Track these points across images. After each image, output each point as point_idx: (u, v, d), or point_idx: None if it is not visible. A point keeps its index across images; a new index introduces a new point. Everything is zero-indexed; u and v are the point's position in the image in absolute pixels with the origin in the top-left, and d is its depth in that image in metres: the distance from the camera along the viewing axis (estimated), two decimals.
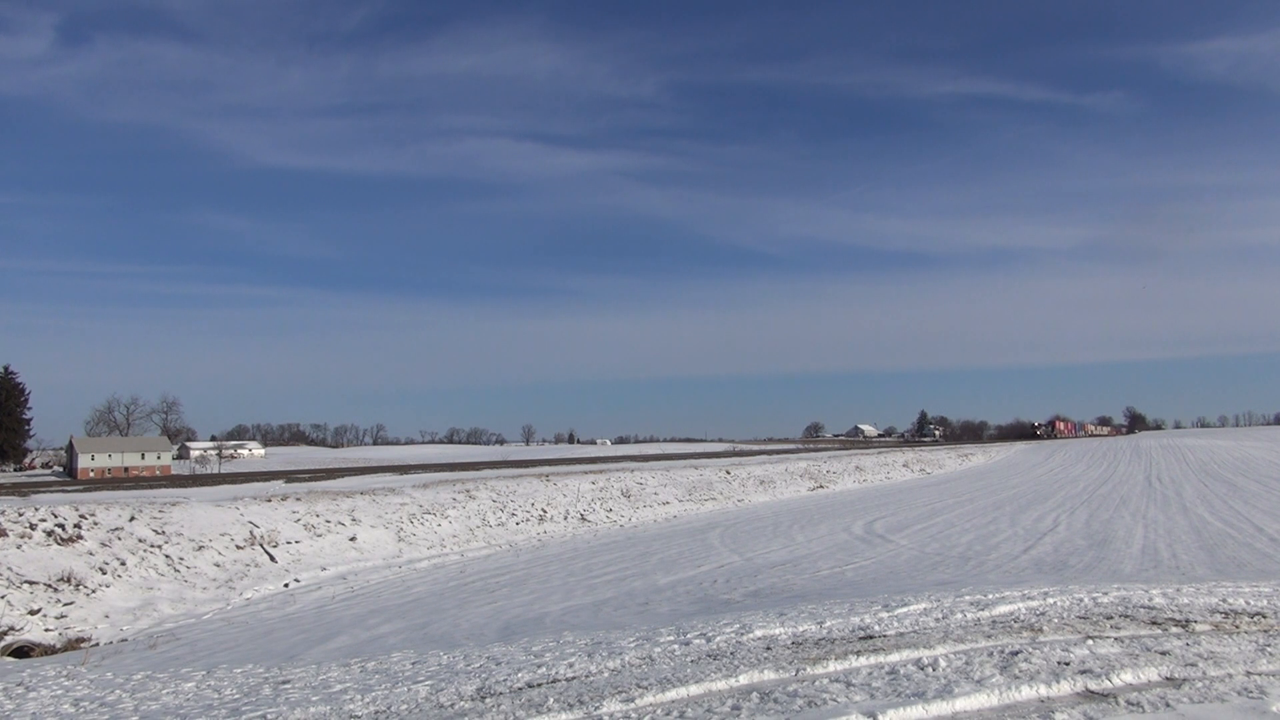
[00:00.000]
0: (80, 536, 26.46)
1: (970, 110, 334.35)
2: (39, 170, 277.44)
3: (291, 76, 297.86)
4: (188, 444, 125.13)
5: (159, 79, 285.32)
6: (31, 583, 23.20)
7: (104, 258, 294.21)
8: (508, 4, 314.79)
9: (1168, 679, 7.36)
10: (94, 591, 24.04)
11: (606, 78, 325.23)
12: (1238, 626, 9.74)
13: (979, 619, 10.98)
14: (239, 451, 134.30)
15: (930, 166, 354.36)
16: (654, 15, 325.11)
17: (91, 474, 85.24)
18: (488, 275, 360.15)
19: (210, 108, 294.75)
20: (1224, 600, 11.78)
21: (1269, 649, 8.36)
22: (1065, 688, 7.16)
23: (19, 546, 24.77)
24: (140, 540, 27.59)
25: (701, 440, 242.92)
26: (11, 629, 21.03)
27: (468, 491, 43.78)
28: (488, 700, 8.64)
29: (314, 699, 10.03)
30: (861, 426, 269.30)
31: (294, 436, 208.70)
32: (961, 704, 6.79)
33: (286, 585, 27.80)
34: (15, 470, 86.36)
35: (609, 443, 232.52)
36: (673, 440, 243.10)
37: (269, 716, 9.22)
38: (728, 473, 65.86)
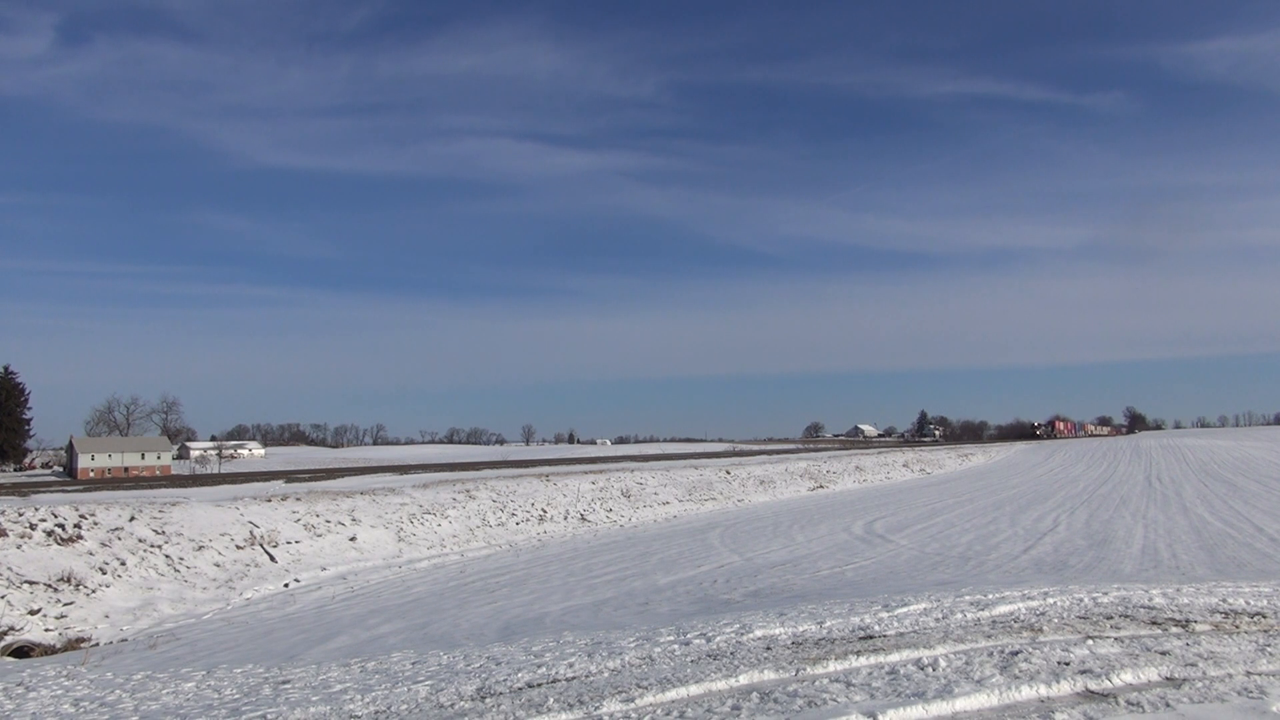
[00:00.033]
0: (80, 536, 26.46)
1: (970, 110, 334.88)
2: (39, 170, 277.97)
3: (291, 76, 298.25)
4: (188, 444, 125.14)
5: (159, 79, 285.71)
6: (31, 583, 23.20)
7: (104, 258, 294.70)
8: (508, 4, 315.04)
9: (1168, 679, 7.36)
10: (94, 591, 24.04)
11: (606, 78, 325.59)
12: (1238, 626, 9.74)
13: (979, 619, 10.98)
14: (239, 451, 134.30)
15: (930, 166, 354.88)
16: (654, 15, 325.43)
17: (91, 474, 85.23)
18: (488, 275, 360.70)
19: (210, 108, 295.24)
20: (1224, 600, 11.78)
21: (1269, 649, 8.36)
22: (1065, 688, 7.16)
23: (19, 546, 24.77)
24: (140, 540, 27.59)
25: (701, 440, 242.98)
26: (11, 629, 21.03)
27: (468, 491, 43.78)
28: (488, 700, 8.64)
29: (314, 699, 10.03)
30: (861, 426, 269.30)
31: (294, 436, 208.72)
32: (961, 704, 6.79)
33: (286, 585, 27.80)
34: (15, 470, 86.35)
35: (609, 443, 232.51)
36: (673, 440, 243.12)
37: (269, 716, 9.22)
38: (728, 473, 65.87)
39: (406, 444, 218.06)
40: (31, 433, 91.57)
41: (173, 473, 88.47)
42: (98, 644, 20.66)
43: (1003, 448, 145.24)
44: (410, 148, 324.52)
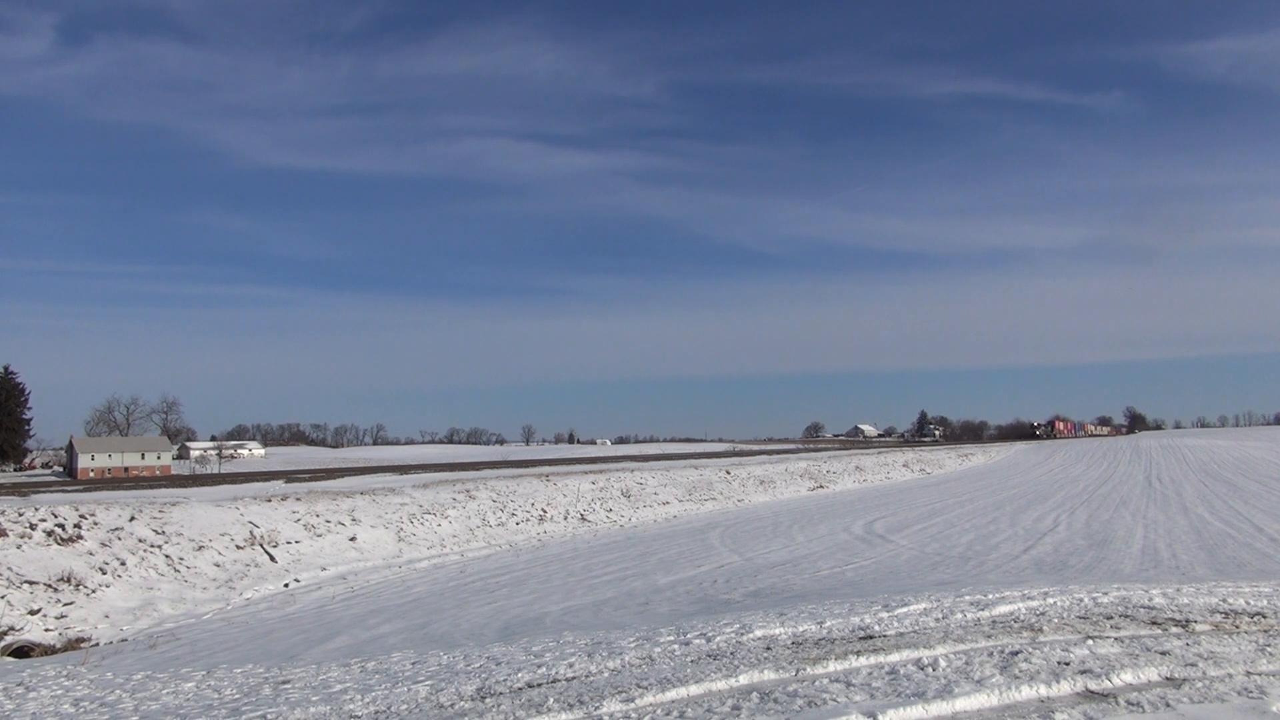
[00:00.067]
0: (80, 536, 26.46)
1: (970, 110, 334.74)
2: (39, 170, 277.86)
3: (291, 76, 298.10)
4: (188, 444, 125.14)
5: (159, 79, 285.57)
6: (31, 583, 23.20)
7: (104, 258, 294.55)
8: (508, 4, 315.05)
9: (1168, 679, 7.36)
10: (94, 591, 24.04)
11: (606, 78, 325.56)
12: (1238, 626, 9.74)
13: (979, 619, 10.98)
14: (239, 451, 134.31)
15: (930, 166, 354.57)
16: (654, 15, 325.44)
17: (91, 474, 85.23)
18: (488, 275, 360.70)
19: (210, 108, 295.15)
20: (1224, 600, 11.78)
21: (1269, 649, 8.36)
22: (1065, 688, 7.16)
23: (19, 546, 24.77)
24: (140, 540, 27.59)
25: (701, 440, 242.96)
26: (11, 629, 21.03)
27: (468, 491, 43.78)
28: (488, 700, 8.64)
29: (314, 699, 10.03)
30: (861, 426, 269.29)
31: (294, 436, 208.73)
32: (961, 704, 6.79)
33: (286, 585, 27.80)
34: (15, 470, 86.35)
35: (609, 443, 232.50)
36: (673, 440, 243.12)
37: (269, 716, 9.22)
38: (728, 473, 65.86)
39: (406, 444, 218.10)
40: (31, 433, 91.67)
41: (173, 473, 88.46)
42: (98, 644, 20.66)
43: (1003, 448, 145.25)
44: (410, 148, 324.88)
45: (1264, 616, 10.33)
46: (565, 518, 44.02)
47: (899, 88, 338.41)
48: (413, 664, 12.46)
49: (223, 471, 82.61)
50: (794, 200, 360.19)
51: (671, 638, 11.61)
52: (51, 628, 21.61)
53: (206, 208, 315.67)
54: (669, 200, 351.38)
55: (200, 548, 28.61)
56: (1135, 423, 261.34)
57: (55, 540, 25.75)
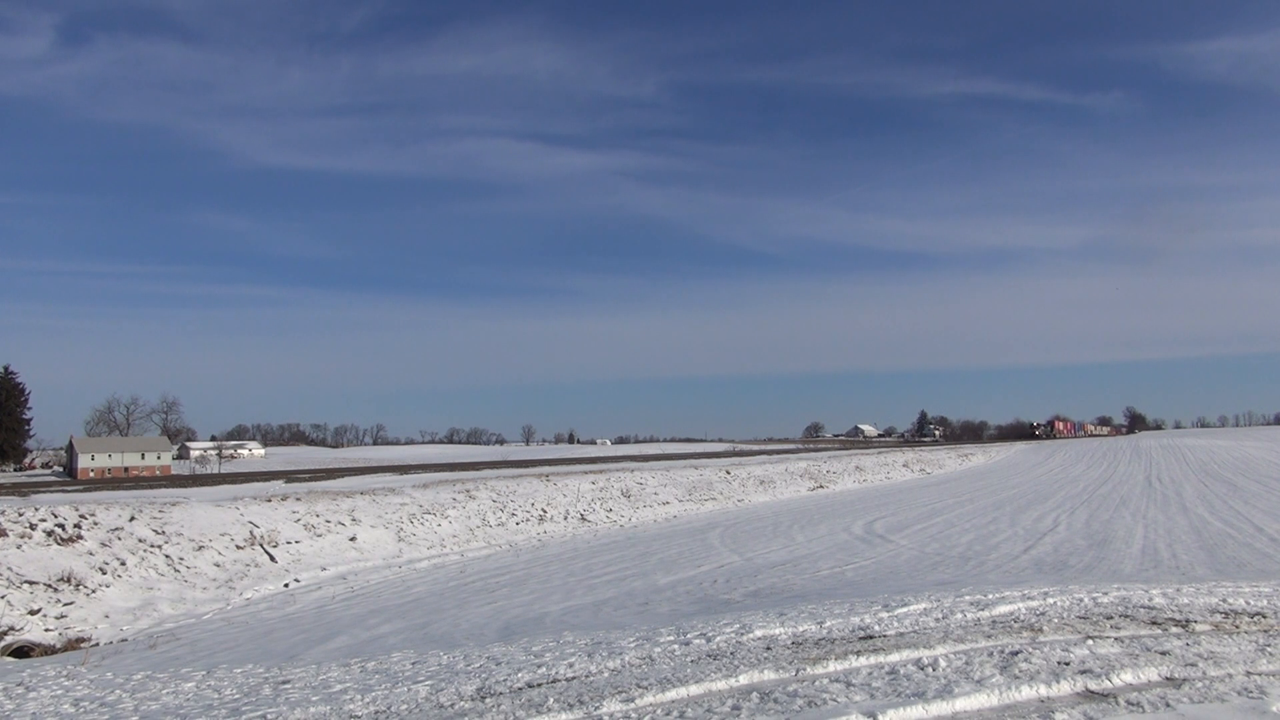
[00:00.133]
0: (80, 536, 26.46)
1: (971, 110, 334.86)
2: (39, 170, 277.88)
3: (291, 76, 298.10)
4: (188, 444, 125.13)
5: (159, 79, 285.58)
6: (31, 583, 23.20)
7: (104, 258, 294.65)
8: (508, 4, 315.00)
9: (1168, 679, 7.36)
10: (94, 591, 24.04)
11: (606, 78, 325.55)
12: (1238, 626, 9.74)
13: (979, 619, 10.98)
14: (239, 451, 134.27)
15: (930, 166, 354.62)
16: (654, 15, 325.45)
17: (91, 474, 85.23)
18: (488, 275, 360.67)
19: (210, 108, 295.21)
20: (1224, 600, 11.78)
21: (1269, 649, 8.36)
22: (1065, 688, 7.16)
23: (19, 546, 24.77)
24: (140, 540, 27.59)
25: (701, 440, 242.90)
26: (11, 629, 21.03)
27: (468, 491, 43.78)
28: (488, 700, 8.64)
29: (314, 699, 10.03)
30: (861, 426, 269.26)
31: (294, 436, 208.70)
32: (961, 704, 6.79)
33: (286, 585, 27.80)
34: (15, 470, 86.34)
35: (609, 443, 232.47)
36: (673, 440, 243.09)
37: (269, 716, 9.22)
38: (728, 473, 65.86)
39: (406, 444, 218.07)
40: (31, 433, 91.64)
41: (173, 473, 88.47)
42: (98, 644, 20.65)
43: (1003, 448, 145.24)
44: (410, 148, 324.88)
45: (1264, 616, 10.33)
46: (565, 518, 44.01)
47: (899, 88, 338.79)
48: (413, 664, 12.46)
49: (223, 471, 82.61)
50: (794, 200, 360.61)
51: (671, 638, 11.61)
52: (51, 628, 21.61)
53: (206, 208, 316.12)
54: (669, 200, 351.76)
55: (200, 548, 28.61)
56: (1135, 423, 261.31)
57: (55, 540, 25.75)
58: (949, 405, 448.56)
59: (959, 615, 11.30)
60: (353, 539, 33.61)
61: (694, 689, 7.94)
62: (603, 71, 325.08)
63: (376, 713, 8.79)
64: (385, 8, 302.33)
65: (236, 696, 11.08)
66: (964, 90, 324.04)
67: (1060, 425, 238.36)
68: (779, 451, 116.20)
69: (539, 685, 9.13)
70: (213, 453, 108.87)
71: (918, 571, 23.62)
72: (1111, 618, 10.49)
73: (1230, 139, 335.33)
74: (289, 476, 56.84)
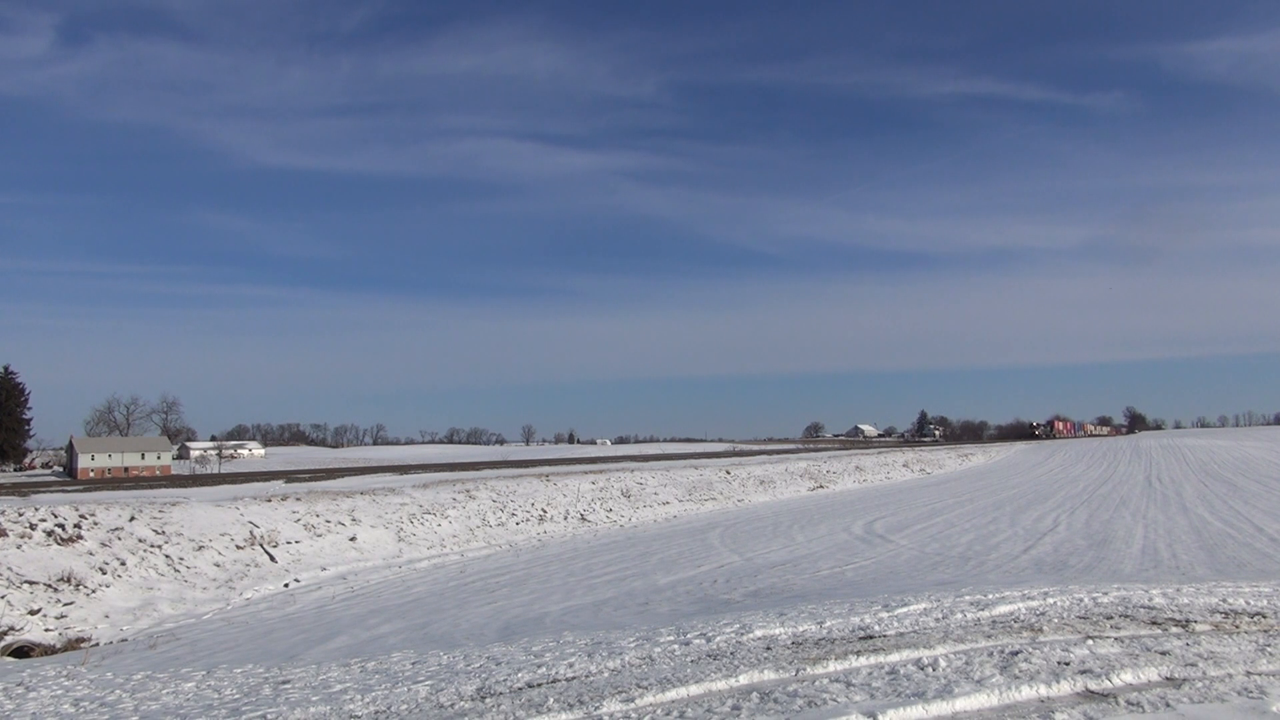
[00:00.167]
0: (80, 536, 26.46)
1: (970, 110, 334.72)
2: (39, 170, 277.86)
3: (291, 76, 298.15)
4: (188, 444, 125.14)
5: (159, 79, 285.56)
6: (31, 583, 23.20)
7: (104, 258, 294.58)
8: (508, 4, 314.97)
9: (1168, 679, 7.36)
10: (94, 591, 24.04)
11: (606, 78, 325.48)
12: (1238, 626, 9.74)
13: (979, 619, 10.98)
14: (239, 451, 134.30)
15: (930, 166, 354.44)
16: (654, 15, 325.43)
17: (91, 474, 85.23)
18: (488, 275, 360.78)
19: (210, 108, 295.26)
20: (1224, 600, 11.78)
21: (1269, 649, 8.36)
22: (1065, 688, 7.16)
23: (19, 546, 24.77)
24: (140, 540, 27.59)
25: (701, 440, 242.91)
26: (11, 629, 21.03)
27: (468, 491, 43.78)
28: (488, 700, 8.64)
29: (314, 699, 10.03)
30: (861, 426, 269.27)
31: (294, 436, 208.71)
32: (961, 704, 6.79)
33: (286, 585, 27.80)
34: (15, 470, 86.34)
35: (609, 443, 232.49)
36: (673, 440, 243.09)
37: (269, 716, 9.22)
38: (728, 473, 65.86)
39: (406, 444, 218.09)
40: (31, 433, 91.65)
41: (173, 473, 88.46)
42: (98, 644, 20.65)
43: (1003, 448, 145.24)
44: (410, 148, 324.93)
45: (1264, 616, 10.33)
46: (565, 518, 44.01)
47: (899, 88, 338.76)
48: (413, 664, 12.46)
49: (223, 471, 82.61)
50: (793, 200, 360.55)
51: (671, 638, 11.61)
52: (51, 628, 21.61)
53: (206, 208, 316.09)
54: (669, 200, 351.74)
55: (200, 548, 28.61)
56: (1135, 423, 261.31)
57: (55, 540, 25.75)
58: (949, 405, 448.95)
59: (959, 615, 11.30)
60: (353, 539, 33.61)
61: (694, 689, 7.94)
62: (602, 71, 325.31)
63: (376, 713, 8.79)
64: (385, 8, 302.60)
65: (236, 696, 11.08)
66: (964, 90, 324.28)
67: (1060, 425, 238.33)
68: (779, 451, 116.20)
69: (539, 685, 9.13)
70: (213, 453, 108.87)
71: (918, 571, 23.62)
72: (1111, 618, 10.49)
73: (1230, 139, 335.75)
74: (289, 476, 56.84)
